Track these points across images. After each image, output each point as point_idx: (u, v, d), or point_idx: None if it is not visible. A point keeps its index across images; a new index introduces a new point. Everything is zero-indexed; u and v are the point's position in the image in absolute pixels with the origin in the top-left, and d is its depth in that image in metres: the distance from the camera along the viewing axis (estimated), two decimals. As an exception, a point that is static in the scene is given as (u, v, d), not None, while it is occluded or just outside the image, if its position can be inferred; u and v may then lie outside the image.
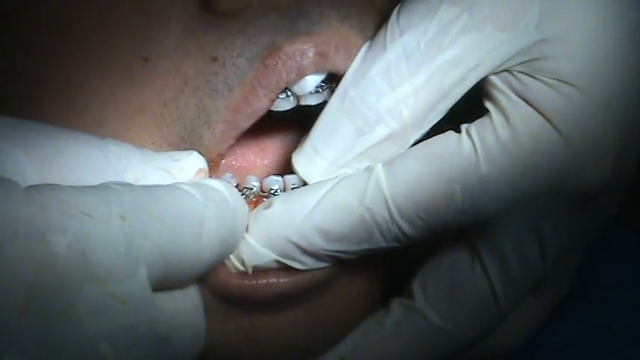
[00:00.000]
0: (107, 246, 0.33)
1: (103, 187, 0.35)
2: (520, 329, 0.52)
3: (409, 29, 0.44)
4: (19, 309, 0.30)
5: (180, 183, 0.39)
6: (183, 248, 0.37)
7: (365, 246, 0.44)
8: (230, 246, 0.42)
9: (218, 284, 0.44)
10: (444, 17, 0.43)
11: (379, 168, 0.44)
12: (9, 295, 0.30)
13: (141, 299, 0.34)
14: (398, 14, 0.45)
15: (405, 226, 0.43)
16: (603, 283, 0.57)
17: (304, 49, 0.44)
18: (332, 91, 0.47)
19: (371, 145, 0.45)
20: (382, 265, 0.50)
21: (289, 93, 0.46)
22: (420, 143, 0.45)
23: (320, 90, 0.47)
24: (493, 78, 0.44)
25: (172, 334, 0.36)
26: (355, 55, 0.46)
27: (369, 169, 0.44)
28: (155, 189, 0.37)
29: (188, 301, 0.40)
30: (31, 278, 0.31)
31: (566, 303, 0.52)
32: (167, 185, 0.39)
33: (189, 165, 0.42)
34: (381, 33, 0.45)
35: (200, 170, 0.43)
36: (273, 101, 0.45)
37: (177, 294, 0.39)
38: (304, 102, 0.47)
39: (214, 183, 0.41)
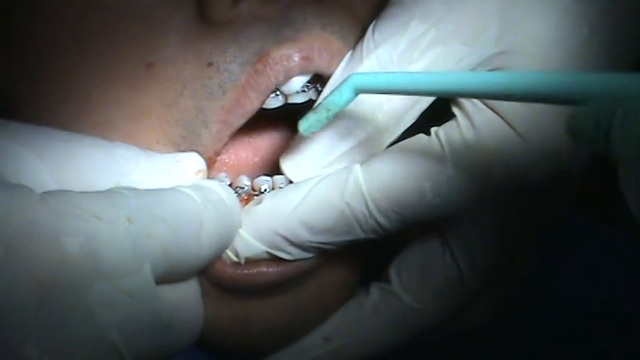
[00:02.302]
0: (115, 245, 0.34)
1: (112, 192, 0.36)
2: (486, 310, 0.54)
3: (383, 43, 0.45)
4: (36, 303, 0.32)
5: (181, 186, 0.41)
6: (184, 246, 0.38)
7: (345, 238, 0.46)
8: (226, 242, 0.43)
9: (214, 273, 0.46)
10: (413, 32, 0.45)
11: (357, 167, 0.45)
12: (27, 291, 0.32)
13: (145, 292, 0.35)
14: (373, 30, 0.46)
15: (382, 220, 0.45)
16: (562, 265, 0.59)
17: (290, 54, 0.45)
18: (317, 90, 0.49)
19: (350, 147, 0.46)
20: (361, 254, 0.51)
21: (278, 92, 0.48)
22: (395, 145, 0.47)
23: (306, 89, 0.48)
24: None
25: (174, 321, 0.38)
26: (337, 57, 0.47)
27: (348, 169, 0.45)
28: (158, 192, 0.39)
29: (189, 292, 0.41)
30: (47, 276, 0.32)
31: (528, 283, 0.54)
32: (169, 188, 0.40)
33: (190, 166, 0.44)
34: (359, 46, 0.46)
35: (200, 171, 0.44)
36: (263, 102, 0.46)
37: (180, 286, 0.40)
38: (292, 100, 0.48)
39: (212, 184, 0.43)
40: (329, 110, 0.44)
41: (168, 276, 0.38)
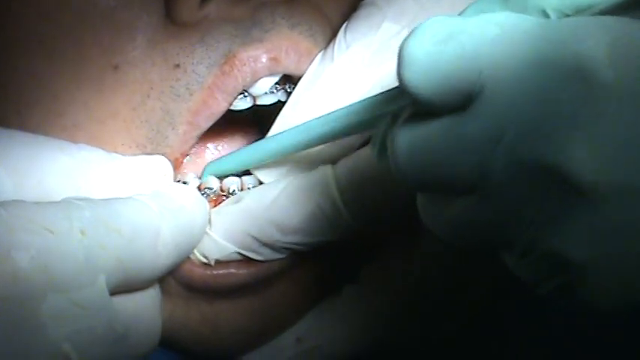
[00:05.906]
0: (68, 258, 0.34)
1: (66, 204, 0.36)
2: (463, 314, 0.53)
3: (354, 44, 0.44)
4: None
5: (139, 195, 0.40)
6: (140, 256, 0.37)
7: (317, 238, 0.45)
8: (186, 250, 0.43)
9: (183, 274, 0.45)
10: (385, 33, 0.44)
11: (328, 168, 0.45)
12: None
13: (99, 304, 0.35)
14: (345, 30, 0.45)
15: (352, 220, 0.44)
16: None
17: (257, 55, 0.45)
18: (286, 91, 0.48)
19: (321, 147, 0.46)
20: (333, 255, 0.50)
21: (246, 94, 0.47)
22: (366, 145, 0.45)
23: (274, 91, 0.48)
24: None
25: (130, 331, 0.37)
26: (305, 57, 0.46)
27: (319, 169, 0.45)
28: (113, 202, 0.38)
29: (147, 301, 0.40)
30: None
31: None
32: (125, 198, 0.39)
33: (155, 170, 0.43)
34: (330, 46, 0.45)
35: (165, 175, 0.44)
36: (230, 104, 0.46)
37: (137, 295, 0.39)
38: (260, 102, 0.48)
39: (173, 190, 0.42)
40: None
41: (124, 286, 0.37)
